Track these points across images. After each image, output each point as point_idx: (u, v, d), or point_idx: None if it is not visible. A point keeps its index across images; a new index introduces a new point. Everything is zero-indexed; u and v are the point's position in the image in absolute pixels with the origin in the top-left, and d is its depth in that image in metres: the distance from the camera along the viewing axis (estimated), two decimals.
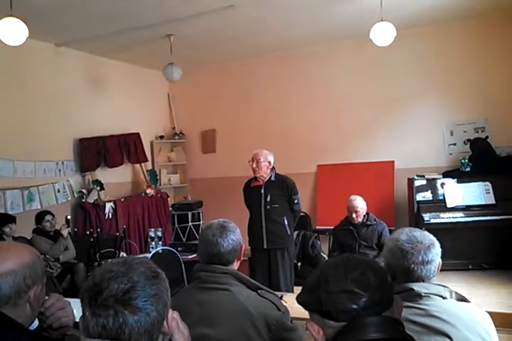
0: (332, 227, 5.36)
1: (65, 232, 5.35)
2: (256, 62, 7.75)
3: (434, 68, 6.60)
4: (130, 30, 5.90)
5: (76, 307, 1.23)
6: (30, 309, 1.40)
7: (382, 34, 5.16)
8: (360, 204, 4.95)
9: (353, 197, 5.03)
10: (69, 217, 5.65)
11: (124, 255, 5.91)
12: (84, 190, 6.67)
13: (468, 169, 6.15)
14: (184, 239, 5.83)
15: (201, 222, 6.01)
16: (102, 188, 6.73)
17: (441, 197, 5.96)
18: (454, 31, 6.46)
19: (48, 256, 5.13)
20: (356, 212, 4.94)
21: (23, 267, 1.38)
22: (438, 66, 6.58)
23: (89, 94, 7.00)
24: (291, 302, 1.72)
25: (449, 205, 5.86)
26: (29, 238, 5.25)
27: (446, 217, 5.80)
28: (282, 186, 4.87)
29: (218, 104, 8.15)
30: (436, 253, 1.84)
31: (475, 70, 6.38)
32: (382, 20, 5.13)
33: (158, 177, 7.95)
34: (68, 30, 5.90)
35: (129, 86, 7.73)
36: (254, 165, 4.87)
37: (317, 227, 6.89)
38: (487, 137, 6.22)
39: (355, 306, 1.12)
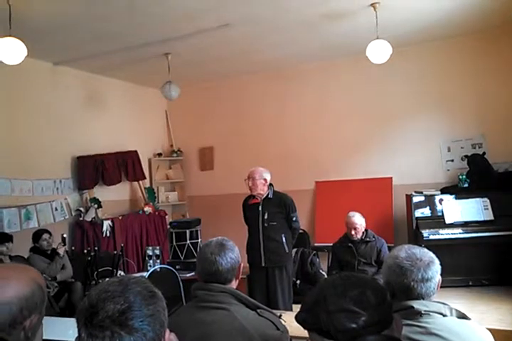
0: (331, 244, 5.33)
1: (61, 251, 5.29)
2: (252, 79, 7.81)
3: (430, 84, 6.65)
4: (128, 48, 5.95)
5: (72, 328, 1.21)
6: (24, 337, 1.38)
7: (378, 52, 5.22)
8: (358, 220, 4.94)
9: (351, 213, 5.02)
10: (65, 236, 5.60)
11: (122, 273, 5.86)
12: (81, 208, 6.65)
13: (466, 185, 6.16)
14: (182, 257, 5.78)
15: (199, 240, 5.96)
16: (99, 206, 6.71)
17: (440, 214, 5.95)
18: (450, 48, 6.52)
19: (44, 275, 5.08)
20: (355, 228, 4.92)
21: (20, 299, 1.34)
22: (435, 82, 6.63)
23: (86, 112, 7.02)
24: (290, 321, 1.70)
25: (447, 221, 5.85)
26: (26, 257, 5.21)
27: (445, 234, 5.79)
28: (280, 203, 4.85)
29: (216, 121, 8.18)
30: (435, 270, 1.83)
31: (472, 86, 6.43)
32: (377, 38, 5.19)
33: (156, 194, 7.93)
34: (66, 49, 5.95)
35: (127, 104, 7.77)
36: (250, 184, 4.85)
37: (316, 244, 6.85)
38: (484, 153, 6.24)
39: (354, 325, 1.11)
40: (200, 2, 4.71)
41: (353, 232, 4.93)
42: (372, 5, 5.04)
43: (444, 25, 5.89)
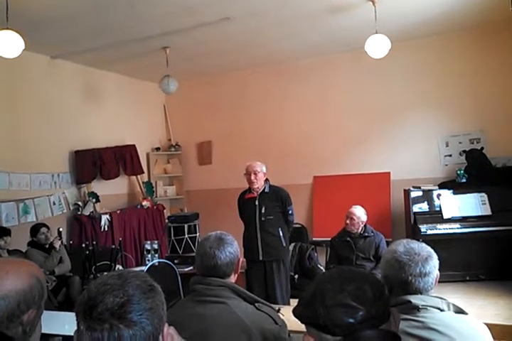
0: (329, 239, 5.35)
1: (57, 245, 5.27)
2: (251, 73, 7.79)
3: (429, 79, 6.64)
4: (126, 42, 5.93)
5: (69, 322, 1.22)
6: (22, 331, 1.38)
7: (377, 46, 5.21)
8: (358, 213, 4.96)
9: (355, 205, 5.08)
10: (61, 229, 5.60)
11: (120, 268, 5.87)
12: (79, 203, 6.65)
13: (464, 180, 6.17)
14: (180, 252, 5.79)
15: (197, 234, 5.97)
16: (97, 200, 6.71)
17: (438, 209, 5.96)
18: (449, 43, 6.51)
19: (42, 269, 5.08)
20: (352, 218, 4.95)
21: (18, 293, 1.34)
22: (433, 77, 6.62)
23: (85, 106, 7.00)
24: (288, 315, 1.71)
25: (445, 216, 5.86)
26: (24, 251, 5.21)
27: (442, 228, 5.80)
28: (276, 197, 4.86)
29: (214, 115, 8.17)
30: (433, 265, 1.84)
31: (470, 82, 6.42)
32: (376, 32, 5.18)
33: (154, 189, 7.92)
34: (64, 43, 5.92)
35: (125, 98, 7.75)
36: (252, 177, 4.85)
37: (314, 239, 6.87)
38: (482, 148, 6.24)
39: (352, 320, 1.11)
40: None
41: (347, 221, 4.97)
42: None
43: (443, 20, 5.87)
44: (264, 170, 4.91)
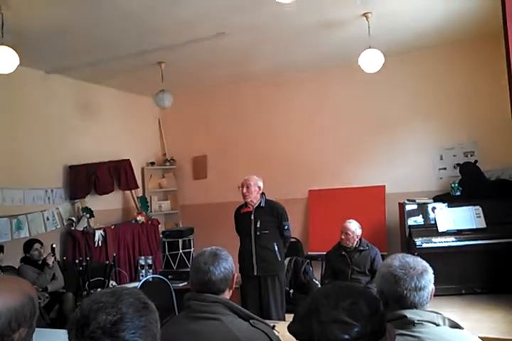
0: (324, 253, 5.33)
1: (50, 261, 5.21)
2: (246, 88, 7.83)
3: (422, 92, 6.69)
4: (121, 57, 5.95)
5: (63, 339, 1.20)
6: None
7: (371, 61, 5.26)
8: (352, 227, 4.96)
9: (349, 220, 5.08)
10: (54, 246, 5.54)
11: (114, 284, 5.82)
12: (73, 218, 6.60)
13: (458, 193, 6.18)
14: (175, 267, 5.75)
15: (192, 250, 5.95)
16: (91, 216, 6.67)
17: (433, 222, 5.97)
18: (443, 56, 6.57)
19: (35, 286, 5.03)
20: (346, 234, 4.95)
21: (10, 310, 1.32)
22: (427, 90, 6.67)
23: (79, 121, 6.99)
24: (283, 331, 1.69)
25: (440, 230, 5.87)
26: (17, 267, 5.16)
27: (437, 242, 5.80)
28: (272, 212, 4.83)
29: (209, 130, 8.18)
30: (429, 279, 1.83)
31: (463, 94, 6.47)
32: (370, 47, 5.23)
33: (148, 203, 7.89)
34: (59, 58, 5.94)
35: (120, 112, 7.76)
36: (244, 190, 4.83)
37: (309, 253, 6.84)
38: (476, 161, 6.27)
39: (347, 336, 1.10)
40: (196, 11, 4.73)
41: (343, 236, 4.98)
42: (364, 15, 5.09)
43: (436, 34, 5.94)
44: (259, 185, 4.88)
